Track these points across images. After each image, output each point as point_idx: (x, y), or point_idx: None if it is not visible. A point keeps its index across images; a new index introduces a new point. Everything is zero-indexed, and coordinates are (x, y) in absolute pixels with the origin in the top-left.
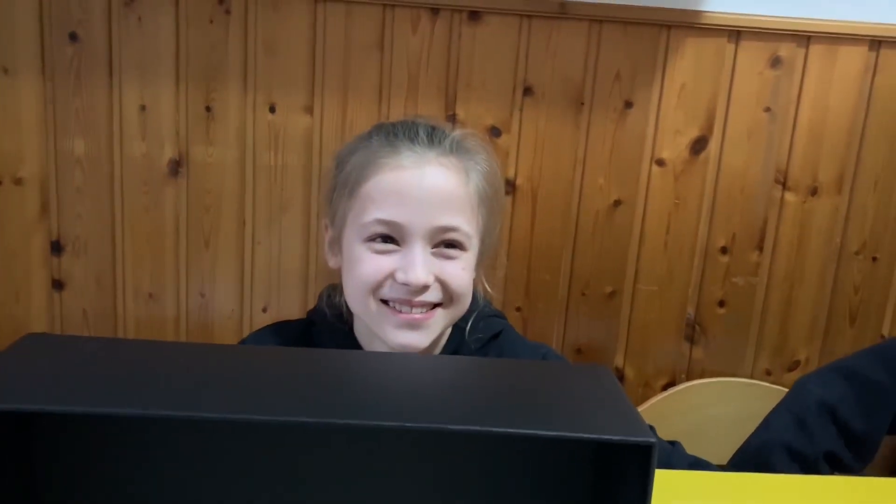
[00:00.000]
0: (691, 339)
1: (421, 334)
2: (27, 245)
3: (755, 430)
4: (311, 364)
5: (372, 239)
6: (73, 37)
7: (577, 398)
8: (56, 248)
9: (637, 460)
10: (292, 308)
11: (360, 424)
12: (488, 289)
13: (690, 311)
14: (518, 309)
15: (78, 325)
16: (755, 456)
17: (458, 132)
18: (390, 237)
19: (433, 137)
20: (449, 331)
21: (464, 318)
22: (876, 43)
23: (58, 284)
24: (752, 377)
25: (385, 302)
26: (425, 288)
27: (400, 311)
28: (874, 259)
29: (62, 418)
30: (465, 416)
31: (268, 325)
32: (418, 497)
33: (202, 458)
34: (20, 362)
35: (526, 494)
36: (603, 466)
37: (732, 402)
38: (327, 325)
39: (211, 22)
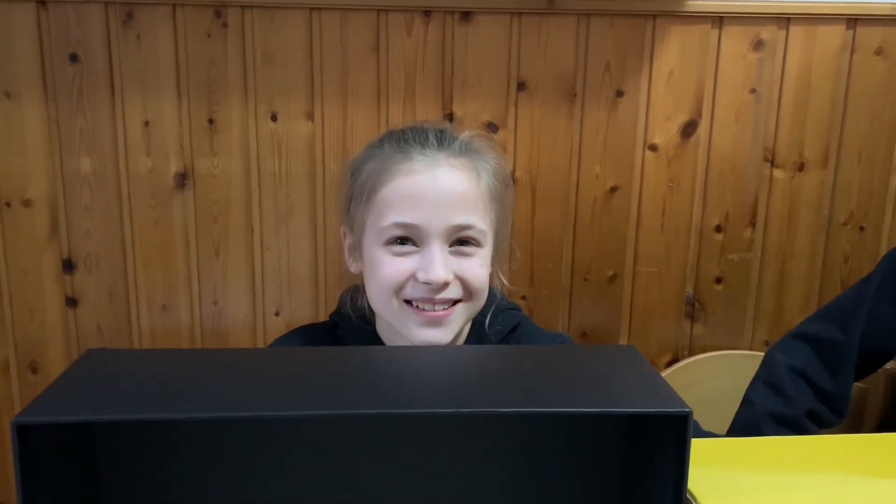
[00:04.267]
0: (691, 317)
1: (443, 330)
2: (39, 264)
3: (739, 408)
4: (344, 360)
5: (391, 242)
6: (74, 57)
7: (608, 375)
8: (68, 266)
9: (671, 432)
10: (304, 310)
11: (396, 413)
12: (505, 282)
13: (689, 289)
14: (523, 298)
15: (93, 341)
16: (745, 432)
17: (466, 134)
18: (408, 239)
19: (443, 140)
20: (469, 326)
21: (482, 313)
22: (852, 21)
23: (71, 301)
24: (751, 349)
25: (408, 302)
26: (445, 285)
27: (423, 310)
28: (861, 229)
29: (124, 426)
30: (500, 399)
31: (293, 330)
32: (454, 479)
33: (251, 455)
34: (84, 377)
35: (560, 473)
36: (633, 442)
37: (734, 373)
38: (352, 326)
39: (209, 36)
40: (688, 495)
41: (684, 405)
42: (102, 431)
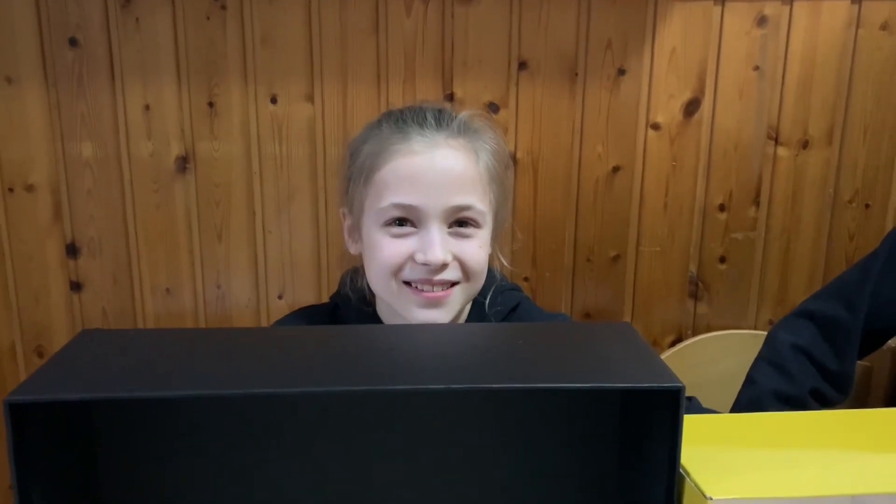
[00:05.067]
0: (695, 296)
1: (442, 311)
2: (43, 250)
3: (742, 388)
4: (343, 338)
5: (389, 223)
6: (73, 42)
7: (603, 352)
8: (72, 250)
9: (665, 407)
10: (307, 293)
11: (391, 389)
12: (504, 263)
13: (693, 268)
14: (526, 279)
15: (98, 324)
16: (748, 410)
17: (464, 114)
18: (407, 220)
19: (441, 121)
20: (469, 306)
21: (482, 293)
22: None
23: (76, 286)
24: (755, 328)
25: (406, 283)
26: (444, 266)
27: (422, 291)
28: (867, 206)
29: (119, 405)
30: (494, 376)
31: (295, 311)
32: (451, 454)
33: (249, 433)
34: (78, 356)
35: (555, 449)
36: (630, 417)
37: (738, 353)
38: (352, 307)
39: (208, 18)
40: (681, 470)
41: (677, 380)
42: (98, 410)
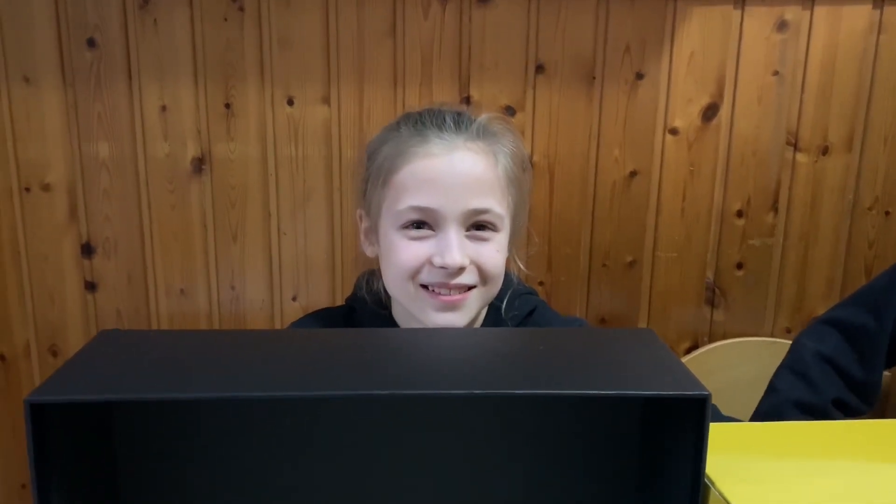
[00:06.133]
0: (712, 303)
1: (459, 315)
2: (58, 249)
3: (763, 396)
4: (361, 342)
5: (407, 226)
6: (91, 42)
7: (627, 358)
8: (87, 250)
9: (689, 415)
10: (321, 295)
11: (410, 394)
12: (522, 267)
13: (709, 275)
14: (541, 283)
15: (112, 325)
16: (768, 419)
17: (483, 117)
18: (425, 223)
19: (460, 123)
20: (485, 310)
21: (499, 297)
22: (880, 1)
23: (90, 286)
24: (772, 336)
25: (423, 286)
26: (461, 270)
27: (439, 294)
28: (887, 213)
29: (139, 406)
30: (516, 381)
31: (310, 314)
32: (466, 461)
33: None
34: (98, 357)
35: (575, 456)
36: (651, 425)
37: (755, 361)
38: (368, 310)
39: (225, 20)
40: (706, 480)
41: (703, 388)
42: (118, 411)
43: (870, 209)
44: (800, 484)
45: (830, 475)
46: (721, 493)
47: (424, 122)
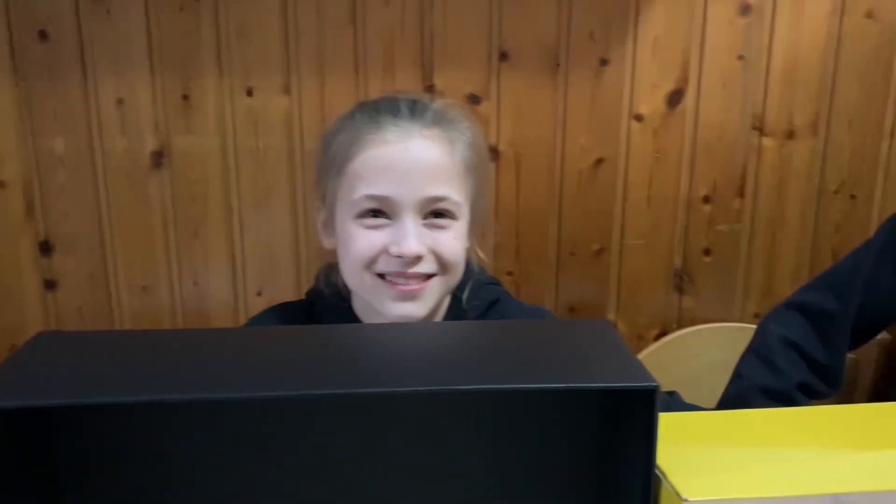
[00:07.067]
0: (680, 289)
1: (418, 304)
2: (15, 247)
3: (729, 382)
4: (317, 339)
5: (363, 215)
6: (43, 35)
7: (579, 351)
8: (45, 248)
9: (641, 407)
10: (286, 289)
11: (365, 393)
12: (482, 256)
13: (677, 261)
14: (509, 273)
15: (74, 323)
16: (734, 405)
17: (438, 103)
18: (381, 212)
19: (415, 110)
20: (447, 301)
21: (460, 287)
22: None
23: (50, 284)
24: (741, 321)
25: (381, 276)
26: (419, 259)
27: (396, 284)
28: (852, 197)
29: (79, 411)
30: (471, 376)
31: (269, 308)
32: (426, 456)
33: (220, 440)
34: (35, 360)
35: (534, 448)
36: (608, 417)
37: (724, 347)
38: (327, 303)
39: (181, 9)
40: (657, 471)
41: (652, 379)
42: (56, 417)
43: (836, 193)
44: (753, 473)
45: (785, 464)
46: (672, 485)
47: (379, 109)
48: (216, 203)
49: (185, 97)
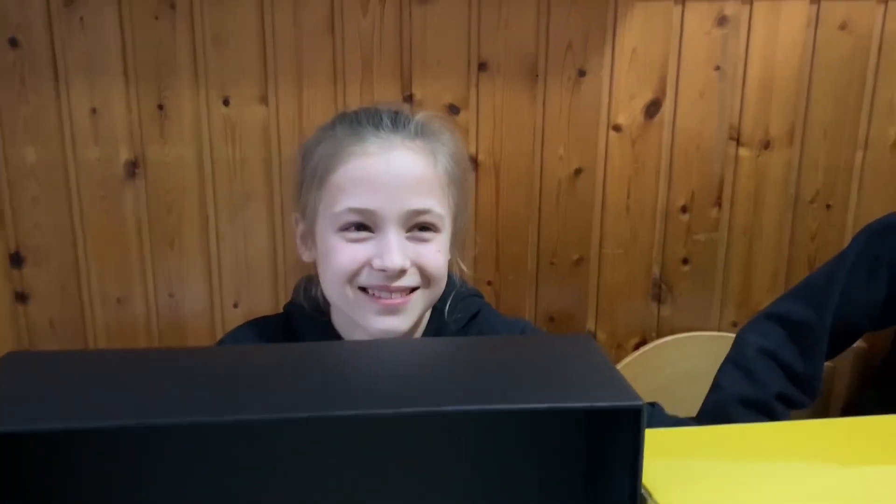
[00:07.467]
0: (658, 298)
1: (401, 318)
2: None
3: (708, 392)
4: (296, 358)
5: (345, 228)
6: (14, 42)
7: (564, 369)
8: (16, 260)
9: (627, 424)
10: (263, 301)
11: (351, 415)
12: (464, 268)
13: (656, 270)
14: (489, 283)
15: (45, 336)
16: (713, 416)
17: (421, 115)
18: (363, 225)
19: (397, 122)
20: (429, 314)
21: (442, 300)
22: None
23: (21, 297)
24: (719, 330)
25: (363, 290)
26: (402, 272)
27: (379, 297)
28: (828, 206)
29: (51, 436)
30: (456, 397)
31: (246, 323)
32: (412, 477)
33: (196, 463)
34: (4, 384)
35: (519, 467)
36: (594, 433)
37: (702, 355)
38: (306, 317)
39: (156, 18)
40: (643, 490)
41: (637, 398)
42: (26, 441)
43: (811, 202)
44: (738, 490)
45: (769, 480)
46: (657, 503)
47: (360, 121)
48: (192, 213)
49: (161, 106)
